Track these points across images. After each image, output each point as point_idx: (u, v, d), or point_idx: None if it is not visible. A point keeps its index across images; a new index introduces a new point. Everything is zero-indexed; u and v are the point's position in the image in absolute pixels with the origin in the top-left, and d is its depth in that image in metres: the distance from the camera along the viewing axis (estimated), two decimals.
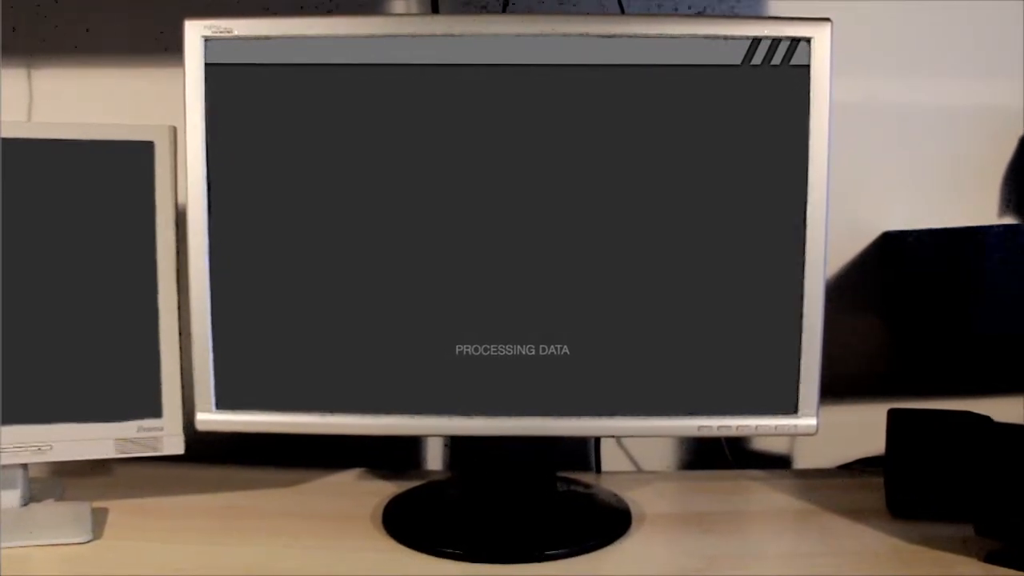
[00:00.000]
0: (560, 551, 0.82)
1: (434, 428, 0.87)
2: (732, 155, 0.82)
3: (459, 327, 0.84)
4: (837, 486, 1.01)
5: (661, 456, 1.17)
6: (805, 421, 0.85)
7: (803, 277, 0.83)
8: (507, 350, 0.84)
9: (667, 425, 0.85)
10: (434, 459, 1.16)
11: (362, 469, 1.09)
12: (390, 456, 1.14)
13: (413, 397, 0.85)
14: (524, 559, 0.81)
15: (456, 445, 1.14)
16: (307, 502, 0.98)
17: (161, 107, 1.04)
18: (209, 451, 1.05)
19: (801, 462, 1.16)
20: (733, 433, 0.86)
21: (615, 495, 0.97)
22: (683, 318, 0.83)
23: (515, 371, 0.84)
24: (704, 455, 1.16)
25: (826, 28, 0.80)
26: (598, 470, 1.12)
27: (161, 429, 0.92)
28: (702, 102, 0.81)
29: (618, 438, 1.15)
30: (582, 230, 0.83)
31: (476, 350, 0.84)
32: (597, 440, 1.12)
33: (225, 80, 0.84)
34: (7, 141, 0.88)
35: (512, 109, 0.82)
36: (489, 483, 0.92)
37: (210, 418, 0.88)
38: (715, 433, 0.85)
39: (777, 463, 1.15)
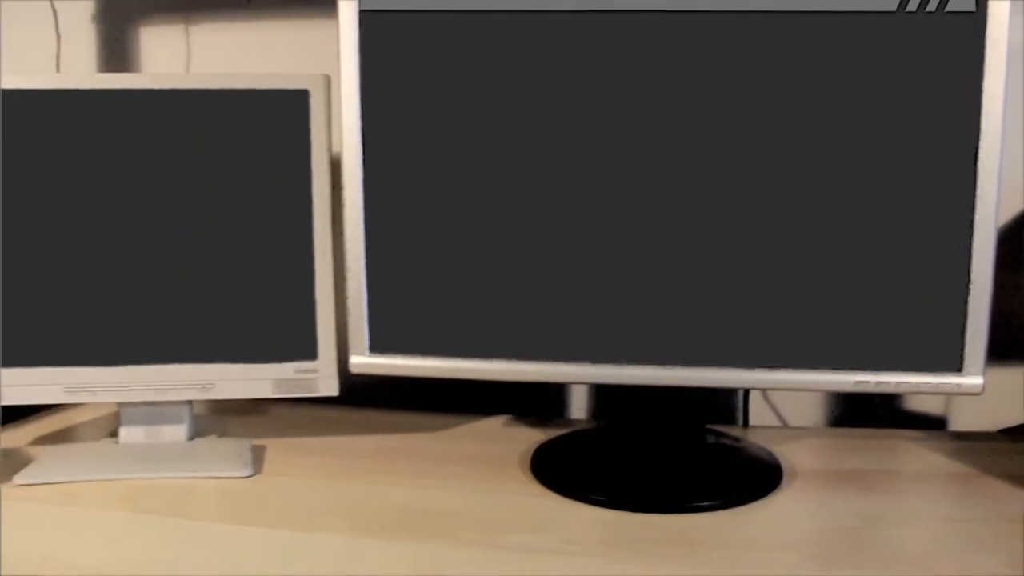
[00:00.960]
0: (709, 503, 0.81)
1: (585, 376, 0.86)
2: (899, 103, 0.77)
3: (611, 274, 0.83)
4: (1000, 450, 0.96)
5: (808, 411, 1.14)
6: (970, 380, 0.81)
7: (973, 231, 0.78)
8: (658, 298, 0.83)
9: (823, 379, 0.82)
10: (578, 408, 1.16)
11: (508, 416, 1.10)
12: (535, 404, 1.15)
13: (563, 344, 0.85)
14: (672, 509, 0.81)
15: (601, 394, 1.14)
16: (455, 446, 0.99)
17: (314, 57, 1.06)
18: (360, 394, 1.08)
19: (956, 424, 1.11)
20: (891, 390, 0.82)
21: (765, 449, 0.95)
22: (844, 269, 0.80)
23: (667, 320, 0.83)
24: (853, 412, 1.12)
25: None
26: (745, 424, 1.10)
27: (316, 371, 0.95)
28: (868, 49, 0.77)
29: (765, 392, 1.12)
30: (740, 178, 0.80)
31: (626, 297, 0.83)
32: (746, 393, 1.10)
33: (380, 27, 0.84)
34: (168, 92, 0.91)
35: (669, 57, 0.80)
36: (637, 432, 0.92)
37: (363, 361, 0.90)
38: (872, 389, 0.82)
39: (931, 424, 1.11)
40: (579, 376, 0.86)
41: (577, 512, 0.81)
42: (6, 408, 0.97)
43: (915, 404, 1.11)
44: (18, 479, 0.90)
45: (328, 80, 0.92)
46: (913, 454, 0.96)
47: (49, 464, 0.93)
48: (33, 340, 0.93)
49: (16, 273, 0.92)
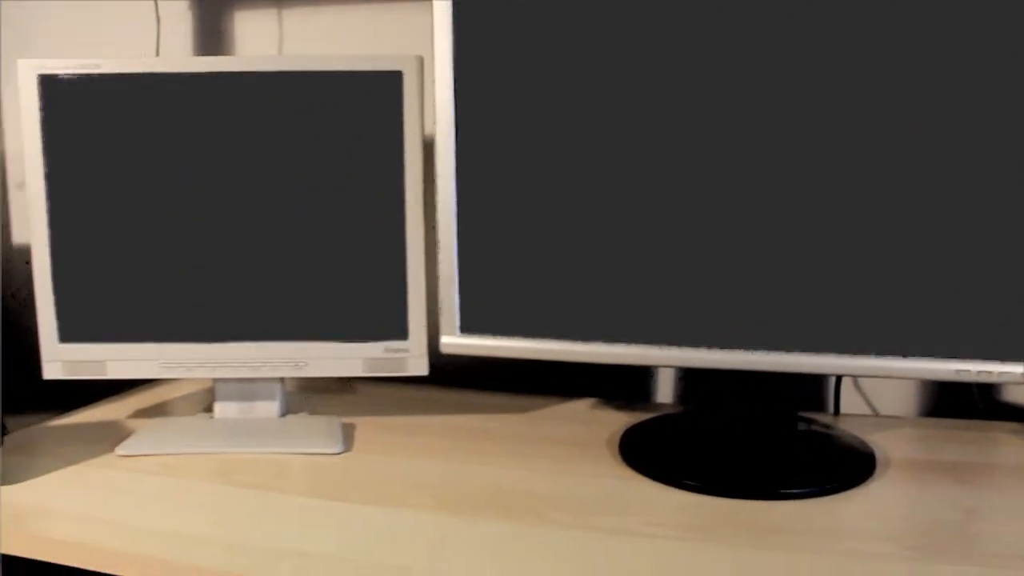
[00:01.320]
0: (801, 491, 0.80)
1: (675, 360, 0.85)
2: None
3: (703, 257, 0.82)
4: None
5: (900, 400, 1.11)
6: None
7: None
8: (749, 282, 0.82)
9: (923, 367, 0.80)
10: (665, 392, 1.15)
11: (594, 399, 1.10)
12: (622, 387, 1.14)
13: (652, 328, 0.85)
14: (762, 496, 0.80)
15: (689, 379, 1.13)
16: (542, 428, 1.00)
17: (407, 38, 1.07)
18: (446, 375, 1.09)
19: None
20: (993, 379, 0.80)
21: (858, 437, 0.93)
22: (946, 253, 0.77)
23: (759, 304, 0.82)
24: (949, 402, 1.09)
25: None
26: (836, 411, 1.08)
27: (407, 351, 0.96)
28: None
29: (856, 379, 1.10)
30: (839, 159, 0.78)
31: (717, 281, 0.82)
32: (838, 380, 1.07)
33: (473, 7, 0.84)
34: (263, 75, 0.93)
35: (781, 31, 0.78)
36: (727, 417, 0.91)
37: (454, 341, 0.90)
38: (972, 379, 0.80)
39: None
40: (669, 360, 0.85)
41: (667, 496, 0.80)
42: (107, 382, 1.00)
43: (1017, 396, 1.07)
44: (119, 450, 0.93)
45: (421, 61, 0.93)
46: (1015, 447, 0.93)
47: (148, 436, 0.96)
48: (134, 318, 0.96)
49: (118, 253, 0.95)
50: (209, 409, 1.04)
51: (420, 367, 0.97)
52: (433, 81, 0.88)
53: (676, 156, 0.82)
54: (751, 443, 0.89)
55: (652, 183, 0.82)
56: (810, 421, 0.97)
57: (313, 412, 1.04)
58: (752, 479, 0.82)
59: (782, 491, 0.80)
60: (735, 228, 0.81)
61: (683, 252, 0.83)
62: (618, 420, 1.01)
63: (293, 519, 0.76)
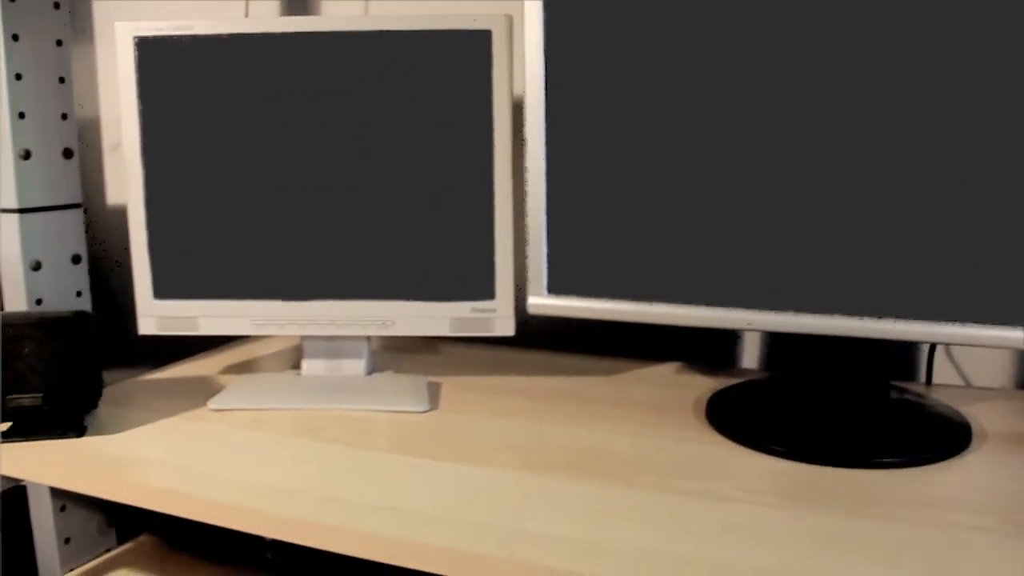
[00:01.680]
0: (893, 459, 0.78)
1: (766, 324, 0.84)
2: None
3: (794, 219, 0.81)
4: None
5: (995, 371, 1.08)
6: None
7: None
8: (842, 244, 0.79)
9: (1020, 336, 0.77)
10: (750, 357, 1.14)
11: (679, 363, 1.09)
12: (707, 351, 1.13)
13: (741, 290, 0.83)
14: (853, 464, 0.78)
15: (776, 344, 1.11)
16: (627, 390, 0.99)
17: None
18: (529, 336, 1.09)
19: None
20: None
21: (952, 408, 0.91)
22: None
23: (851, 267, 0.80)
24: None
25: None
26: (928, 381, 1.05)
27: (494, 311, 0.96)
28: None
29: (948, 348, 1.07)
30: (934, 120, 0.76)
31: (808, 243, 0.80)
32: (931, 349, 1.05)
33: None
34: (351, 34, 0.93)
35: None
36: (815, 384, 0.89)
37: (541, 302, 0.90)
38: None
39: None
40: (760, 324, 0.84)
41: (756, 461, 0.79)
42: (199, 337, 1.02)
43: None
44: (211, 404, 0.95)
45: (511, 20, 0.92)
46: None
47: (239, 392, 0.98)
48: (226, 275, 0.98)
49: (211, 212, 0.97)
50: (297, 366, 1.06)
51: (507, 327, 0.97)
52: (522, 40, 0.87)
53: (768, 116, 0.80)
54: (841, 410, 0.87)
55: (744, 143, 0.81)
56: (902, 390, 0.95)
57: (398, 371, 1.05)
58: (843, 446, 0.80)
59: (875, 460, 0.78)
60: (829, 188, 0.79)
61: (774, 213, 0.81)
62: (703, 384, 1.00)
63: (381, 475, 0.77)
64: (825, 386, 0.89)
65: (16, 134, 1.03)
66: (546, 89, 0.86)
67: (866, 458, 0.78)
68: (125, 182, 0.98)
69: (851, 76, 0.77)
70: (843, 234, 0.79)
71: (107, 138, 1.40)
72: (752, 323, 0.84)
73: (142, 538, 1.10)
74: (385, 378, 1.01)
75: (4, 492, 1.13)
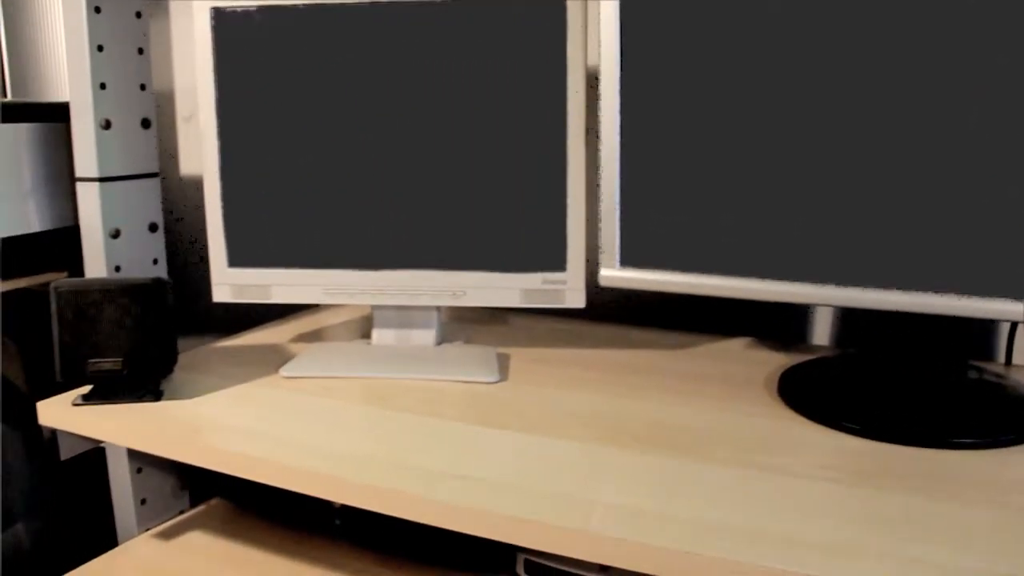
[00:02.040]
0: (973, 440, 0.77)
1: (839, 299, 0.82)
2: None
3: (868, 191, 0.79)
4: None
5: None
6: None
7: None
8: (918, 218, 0.77)
9: None
10: (821, 334, 1.12)
11: (750, 338, 1.08)
12: (777, 327, 1.11)
13: (817, 264, 0.82)
14: (929, 443, 0.77)
15: (848, 320, 1.09)
16: (697, 364, 0.99)
17: None
18: (597, 310, 1.09)
19: None
20: None
21: None
22: None
23: (928, 242, 0.78)
24: None
25: None
26: (1008, 361, 1.02)
27: (564, 283, 0.96)
28: None
29: None
30: (1018, 82, 0.73)
31: (882, 217, 0.79)
32: (1012, 328, 1.02)
33: None
34: (425, 3, 0.93)
35: None
36: (890, 361, 0.88)
37: (614, 274, 0.90)
38: None
39: None
40: (834, 299, 0.82)
41: (830, 438, 0.78)
42: (272, 306, 1.04)
43: None
44: (283, 371, 0.96)
45: None
46: None
47: (310, 359, 0.99)
48: (299, 244, 0.99)
49: (285, 182, 0.98)
50: (367, 336, 1.07)
51: (577, 299, 0.96)
52: (598, 10, 0.87)
53: (848, 88, 0.78)
54: (918, 389, 0.86)
55: (822, 114, 0.79)
56: (980, 369, 0.93)
57: (468, 342, 1.05)
58: (920, 425, 0.79)
59: (953, 440, 0.77)
60: (909, 159, 0.77)
61: (852, 185, 0.79)
62: (774, 360, 0.99)
63: (451, 444, 0.78)
64: (901, 364, 0.87)
65: (97, 104, 1.05)
66: (621, 59, 0.85)
67: (944, 438, 0.77)
68: (199, 152, 0.99)
69: (938, 39, 0.75)
70: (925, 207, 0.77)
71: (181, 109, 1.42)
72: (827, 299, 0.82)
73: (214, 501, 1.13)
74: (455, 348, 1.02)
75: (84, 454, 1.16)
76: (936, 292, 0.78)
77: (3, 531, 1.17)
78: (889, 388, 0.86)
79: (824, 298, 0.82)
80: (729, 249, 0.85)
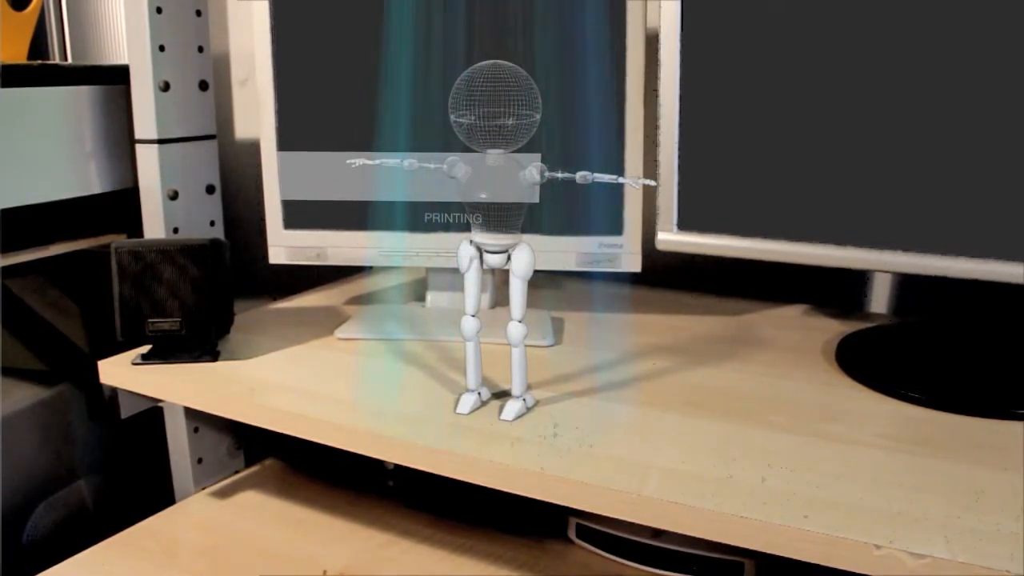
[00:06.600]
0: None
1: (904, 265, 0.80)
2: None
3: (932, 154, 0.76)
4: None
5: None
6: None
7: None
8: (982, 181, 0.75)
9: None
10: (879, 302, 1.10)
11: (807, 305, 1.06)
12: (834, 295, 1.09)
13: (879, 229, 0.80)
14: (993, 414, 0.75)
15: (908, 287, 1.07)
16: (754, 331, 0.98)
17: None
18: (651, 275, 1.08)
19: None
20: None
21: None
22: None
23: (993, 207, 0.75)
24: None
25: None
26: None
27: (621, 247, 0.95)
28: None
29: None
30: None
31: (947, 180, 0.76)
32: None
33: None
34: None
35: None
36: (954, 330, 0.86)
37: (671, 238, 0.89)
38: None
39: None
40: (897, 266, 0.80)
41: (890, 407, 0.77)
42: (326, 267, 1.04)
43: None
44: (338, 333, 0.97)
45: None
46: None
47: (364, 322, 1.00)
48: (354, 206, 0.99)
49: (340, 144, 0.98)
50: (422, 299, 1.07)
51: (633, 264, 0.95)
52: None
53: (912, 50, 0.75)
54: (981, 358, 0.84)
55: (887, 75, 0.77)
56: None
57: None
58: (984, 396, 0.77)
59: (1016, 411, 0.75)
60: (973, 120, 0.75)
61: (915, 148, 0.77)
62: (831, 327, 0.97)
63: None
64: (964, 333, 0.85)
65: (156, 67, 1.06)
66: (682, 21, 0.83)
67: (1007, 409, 0.75)
68: (255, 115, 1.00)
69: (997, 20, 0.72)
70: (990, 171, 0.75)
71: (236, 72, 1.43)
72: (892, 264, 0.80)
73: (268, 462, 1.14)
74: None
75: (143, 413, 1.18)
76: (1002, 259, 0.76)
77: (66, 488, 1.20)
78: (950, 357, 0.84)
79: (886, 264, 0.80)
80: (788, 213, 0.83)
